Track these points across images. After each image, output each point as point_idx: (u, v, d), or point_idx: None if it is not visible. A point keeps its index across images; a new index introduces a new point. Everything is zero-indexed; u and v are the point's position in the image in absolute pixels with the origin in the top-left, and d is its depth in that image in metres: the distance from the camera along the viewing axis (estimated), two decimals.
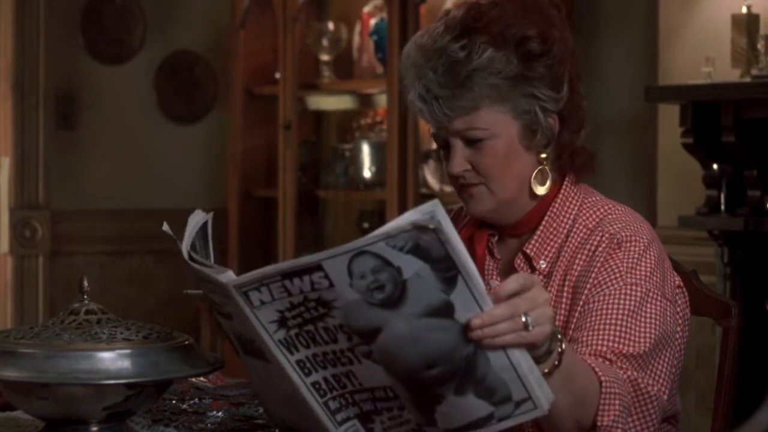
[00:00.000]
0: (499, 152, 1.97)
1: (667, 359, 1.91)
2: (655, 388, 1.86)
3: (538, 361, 1.59)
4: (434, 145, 2.12)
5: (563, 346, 1.64)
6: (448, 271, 1.48)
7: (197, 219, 1.80)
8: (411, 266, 1.48)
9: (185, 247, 1.73)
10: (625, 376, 1.83)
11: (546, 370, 1.61)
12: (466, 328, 1.51)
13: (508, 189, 1.99)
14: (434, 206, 1.46)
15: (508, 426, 1.58)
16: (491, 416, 1.57)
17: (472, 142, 1.97)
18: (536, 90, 1.95)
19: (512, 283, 1.55)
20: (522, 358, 1.55)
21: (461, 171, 1.99)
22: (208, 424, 1.94)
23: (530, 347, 1.56)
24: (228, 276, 1.58)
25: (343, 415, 1.64)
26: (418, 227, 1.45)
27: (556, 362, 1.63)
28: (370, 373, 1.59)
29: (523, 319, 1.53)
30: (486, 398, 1.56)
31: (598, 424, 1.75)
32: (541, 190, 2.01)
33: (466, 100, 1.93)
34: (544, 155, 2.00)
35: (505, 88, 1.93)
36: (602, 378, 1.76)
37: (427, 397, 1.58)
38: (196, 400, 2.08)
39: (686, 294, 2.05)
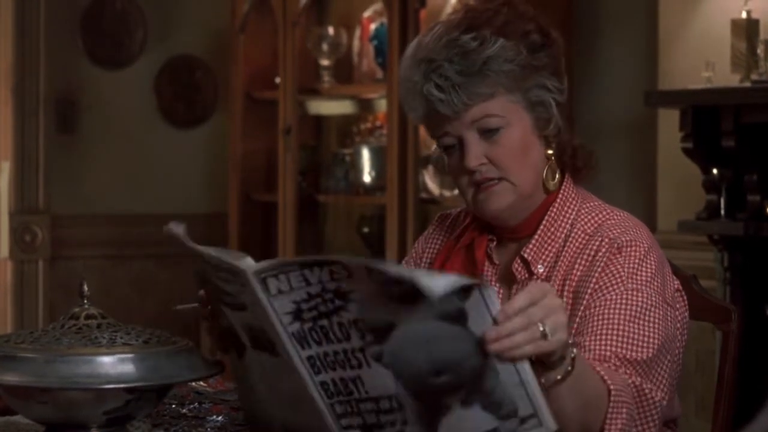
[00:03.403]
0: (515, 142, 1.98)
1: (667, 365, 1.91)
2: (659, 395, 1.86)
3: (551, 367, 1.60)
4: (433, 148, 2.12)
5: (575, 351, 1.64)
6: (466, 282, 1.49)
7: (178, 230, 1.79)
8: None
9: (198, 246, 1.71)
10: (630, 381, 1.83)
11: (559, 377, 1.62)
12: (482, 341, 1.50)
13: (528, 181, 2.00)
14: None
15: None
16: (495, 431, 1.56)
17: (487, 135, 1.98)
18: (546, 80, 1.98)
19: (522, 298, 1.54)
20: (531, 377, 1.54)
21: (478, 164, 1.99)
22: (208, 429, 1.94)
23: (547, 356, 1.57)
24: (247, 262, 1.58)
25: (347, 421, 1.64)
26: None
27: (570, 368, 1.63)
28: (378, 379, 1.59)
29: (541, 329, 1.53)
30: (492, 412, 1.55)
31: None
32: (552, 185, 2.02)
33: (485, 87, 1.95)
34: (550, 151, 2.02)
35: (519, 75, 1.96)
36: (611, 387, 1.76)
37: (432, 407, 1.58)
38: (196, 404, 2.08)
39: (685, 297, 2.06)
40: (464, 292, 1.46)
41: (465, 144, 1.99)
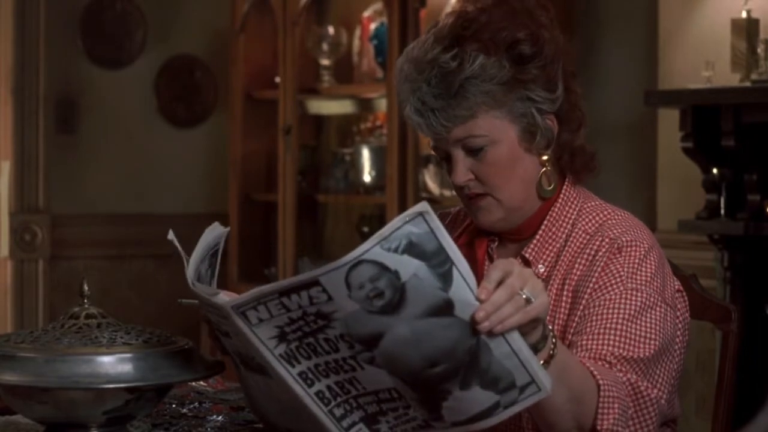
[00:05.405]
0: (502, 159, 1.97)
1: (665, 364, 1.91)
2: (654, 392, 1.86)
3: (535, 349, 1.62)
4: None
5: (552, 330, 1.68)
6: (443, 265, 1.51)
7: (215, 233, 1.80)
8: (408, 268, 1.50)
9: (192, 264, 1.72)
10: (624, 379, 1.83)
11: (542, 361, 1.64)
12: (472, 322, 1.54)
13: (515, 195, 1.99)
14: (420, 204, 1.51)
15: (515, 412, 1.61)
16: (497, 405, 1.60)
17: (473, 152, 1.97)
18: (531, 92, 1.95)
19: (495, 272, 1.59)
20: (522, 344, 1.58)
21: (465, 181, 1.99)
22: (208, 429, 1.94)
23: (534, 323, 1.61)
24: (222, 298, 1.59)
25: (349, 420, 1.65)
26: (409, 221, 1.49)
27: (551, 351, 1.66)
28: (374, 377, 1.60)
29: (523, 296, 1.58)
30: (491, 388, 1.59)
31: (598, 428, 1.76)
32: (547, 192, 2.01)
33: (462, 109, 1.93)
34: (545, 157, 2.00)
35: (500, 93, 1.93)
36: (600, 381, 1.76)
37: (432, 395, 1.60)
38: (196, 404, 2.08)
39: (686, 298, 2.05)
40: (410, 222, 1.49)
41: (452, 160, 1.99)
